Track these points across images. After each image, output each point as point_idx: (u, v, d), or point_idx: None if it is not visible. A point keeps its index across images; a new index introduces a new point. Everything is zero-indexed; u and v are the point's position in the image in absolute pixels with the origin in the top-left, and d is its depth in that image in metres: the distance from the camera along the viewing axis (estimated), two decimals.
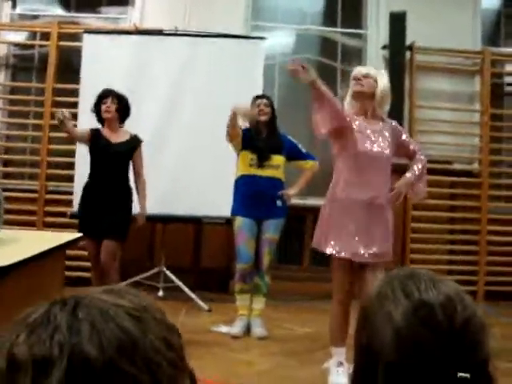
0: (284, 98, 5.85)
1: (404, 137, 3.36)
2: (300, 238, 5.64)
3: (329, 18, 6.12)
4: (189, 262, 5.50)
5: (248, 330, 4.15)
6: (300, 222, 5.56)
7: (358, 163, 3.15)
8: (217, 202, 4.71)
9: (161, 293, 4.95)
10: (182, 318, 4.37)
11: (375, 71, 3.29)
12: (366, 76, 3.20)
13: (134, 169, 4.16)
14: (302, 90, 6.00)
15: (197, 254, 5.59)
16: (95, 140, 4.06)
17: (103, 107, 4.06)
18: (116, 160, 4.04)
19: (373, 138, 3.19)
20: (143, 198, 4.17)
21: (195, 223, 5.39)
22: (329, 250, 3.18)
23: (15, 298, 2.00)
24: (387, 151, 3.20)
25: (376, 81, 3.20)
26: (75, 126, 4.49)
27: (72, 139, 4.35)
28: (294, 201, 4.40)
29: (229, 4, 5.75)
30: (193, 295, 4.88)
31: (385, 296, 0.78)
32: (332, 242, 3.17)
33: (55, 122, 5.44)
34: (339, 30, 6.03)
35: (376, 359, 0.74)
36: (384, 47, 5.72)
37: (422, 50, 5.71)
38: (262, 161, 4.13)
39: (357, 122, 3.20)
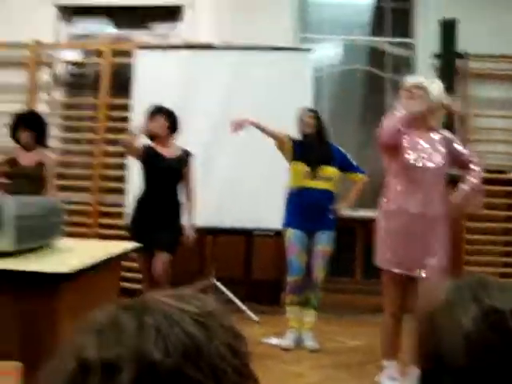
0: (333, 110, 5.82)
1: (456, 145, 3.28)
2: (351, 250, 5.57)
3: (376, 27, 6.08)
4: (239, 274, 5.51)
5: (298, 342, 4.12)
6: (350, 234, 5.49)
7: (410, 176, 3.11)
8: (267, 214, 4.72)
9: None
10: None
11: (426, 81, 3.23)
12: (417, 86, 3.15)
13: (185, 183, 4.17)
14: (351, 102, 6.00)
15: (247, 266, 5.59)
16: (148, 156, 4.09)
17: (152, 125, 4.11)
18: (170, 174, 4.09)
19: (424, 150, 3.14)
20: (191, 216, 4.18)
21: (246, 235, 5.41)
22: (380, 264, 3.15)
23: (75, 305, 2.04)
24: (440, 163, 3.14)
25: (427, 91, 3.14)
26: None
27: (128, 153, 4.35)
28: (344, 213, 4.37)
29: (276, 17, 5.78)
30: (244, 307, 4.89)
31: (453, 302, 0.76)
32: (383, 256, 3.14)
33: (108, 136, 5.65)
34: (387, 39, 5.97)
35: (444, 365, 0.73)
36: (435, 56, 5.62)
37: (474, 57, 5.58)
38: (314, 172, 4.13)
39: (407, 134, 3.15)
